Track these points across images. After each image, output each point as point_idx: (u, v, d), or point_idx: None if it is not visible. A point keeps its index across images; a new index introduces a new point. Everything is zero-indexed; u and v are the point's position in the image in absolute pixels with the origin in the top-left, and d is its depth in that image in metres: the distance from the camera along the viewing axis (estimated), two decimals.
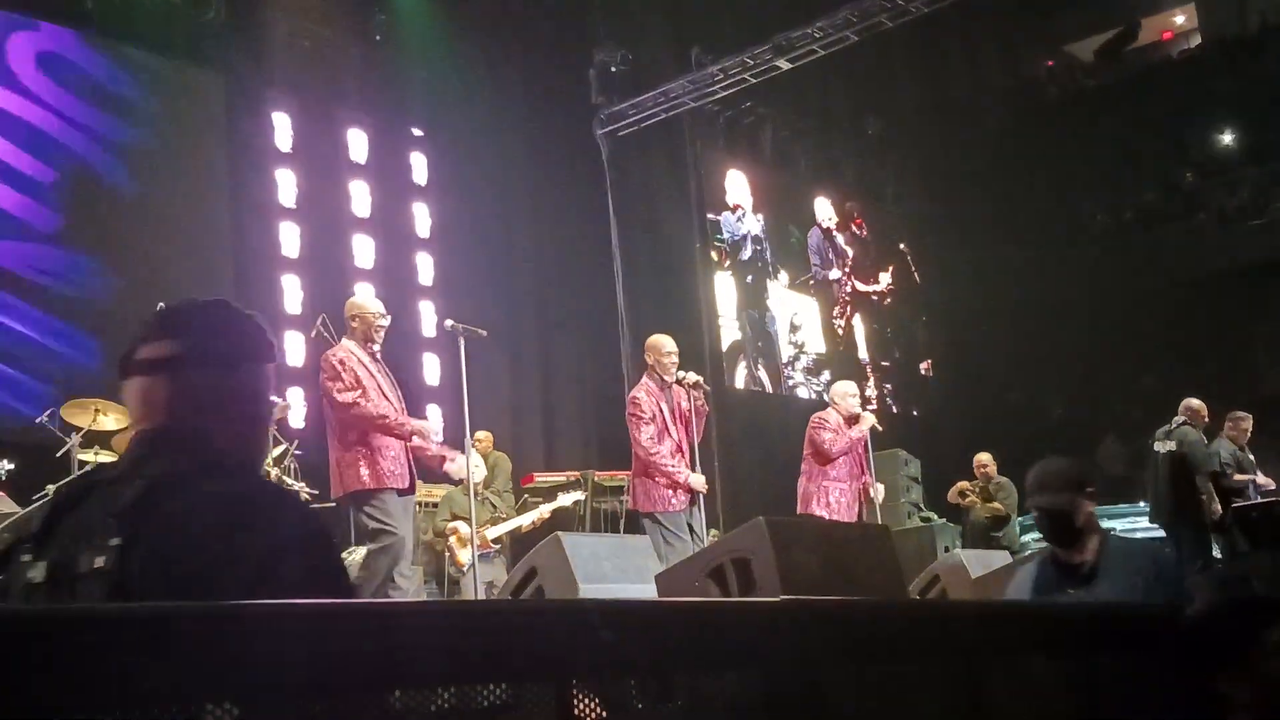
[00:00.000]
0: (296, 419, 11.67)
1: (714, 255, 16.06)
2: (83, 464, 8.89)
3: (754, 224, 17.05)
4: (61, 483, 7.58)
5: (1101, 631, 2.79)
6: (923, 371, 19.67)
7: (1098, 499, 4.27)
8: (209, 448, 2.12)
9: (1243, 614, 2.73)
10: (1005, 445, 17.15)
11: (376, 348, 7.24)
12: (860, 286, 19.02)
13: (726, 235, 16.46)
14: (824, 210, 18.57)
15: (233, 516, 1.96)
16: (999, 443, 17.43)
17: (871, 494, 9.79)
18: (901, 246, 19.91)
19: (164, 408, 2.11)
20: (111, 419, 9.08)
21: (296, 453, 9.98)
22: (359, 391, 6.92)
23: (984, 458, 13.28)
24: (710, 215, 16.12)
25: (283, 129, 12.93)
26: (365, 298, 7.76)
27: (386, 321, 7.34)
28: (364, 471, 6.86)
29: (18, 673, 1.22)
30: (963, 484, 13.17)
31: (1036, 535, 14.81)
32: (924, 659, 2.25)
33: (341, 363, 7.03)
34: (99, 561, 1.89)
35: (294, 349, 12.34)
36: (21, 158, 10.87)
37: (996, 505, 12.86)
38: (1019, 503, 12.34)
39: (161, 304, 2.32)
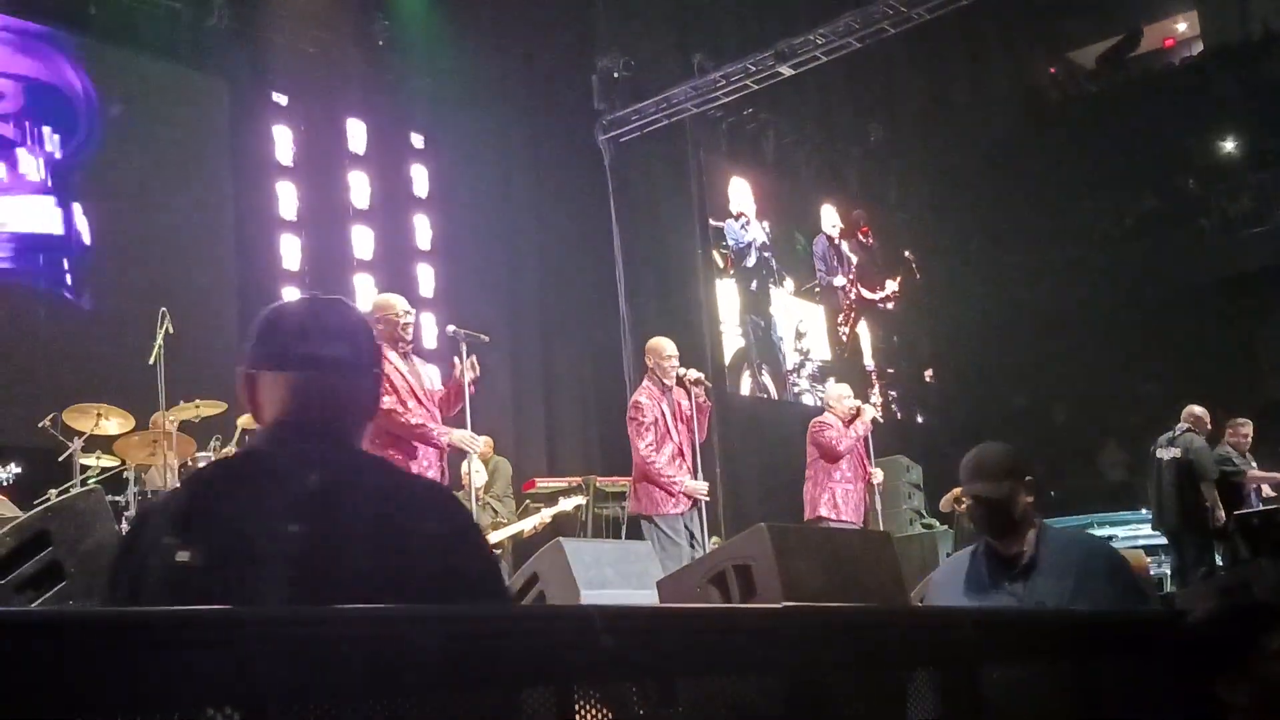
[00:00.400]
0: None
1: (717, 262, 16.08)
2: (84, 469, 8.90)
3: (758, 231, 17.07)
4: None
5: (1101, 637, 2.79)
6: (926, 378, 19.66)
7: (1036, 490, 3.96)
8: (357, 443, 2.22)
9: (1243, 620, 2.73)
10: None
11: (407, 346, 7.22)
12: (865, 294, 19.03)
13: (731, 242, 16.48)
14: (829, 217, 18.58)
15: (411, 507, 2.09)
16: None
17: (874, 481, 9.84)
18: (906, 253, 19.92)
19: (319, 403, 2.17)
20: (113, 423, 9.08)
21: None
22: (394, 399, 6.88)
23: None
24: (714, 222, 16.14)
25: (283, 136, 12.94)
26: (388, 297, 7.70)
27: (412, 318, 7.30)
28: None
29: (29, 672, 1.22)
30: (958, 489, 12.95)
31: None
32: (925, 665, 2.25)
33: None
34: (280, 548, 1.94)
35: None
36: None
37: None
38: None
39: (293, 300, 2.39)
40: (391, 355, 6.99)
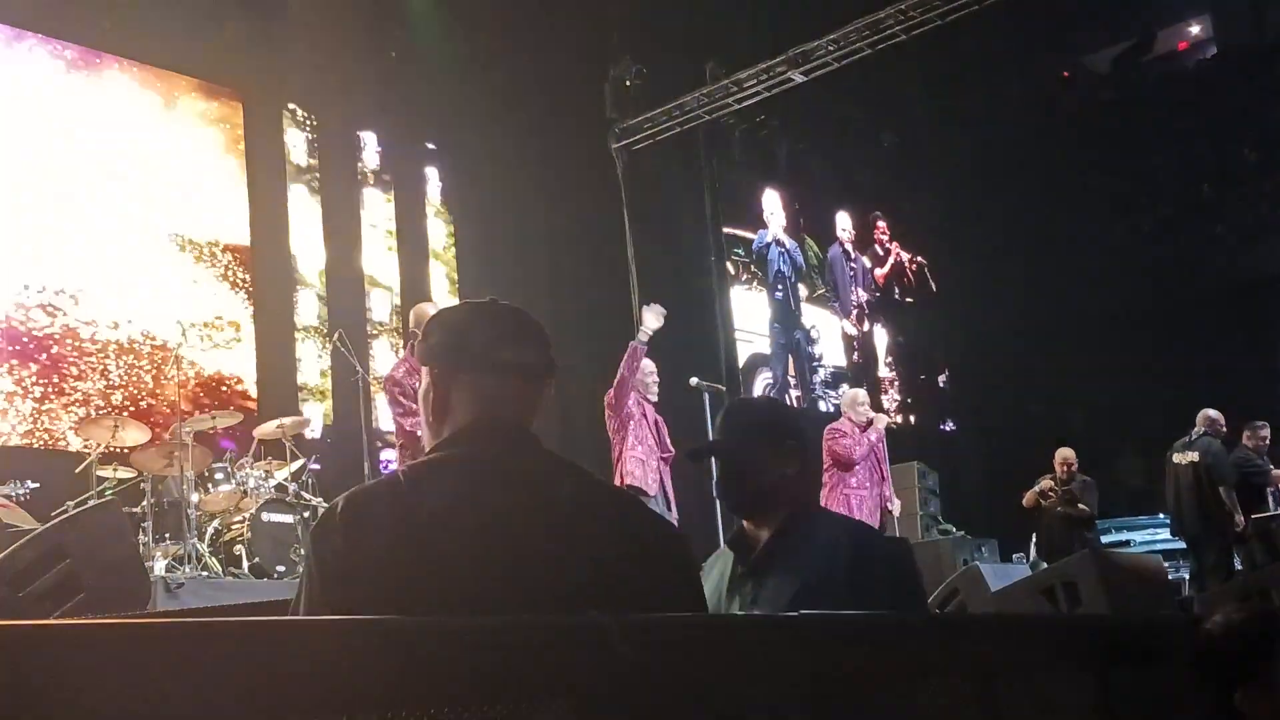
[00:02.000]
0: (314, 431, 11.73)
1: (730, 269, 16.09)
2: (101, 480, 8.93)
3: (774, 238, 17.14)
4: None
5: (1120, 645, 2.78)
6: (941, 384, 19.63)
7: (801, 462, 3.07)
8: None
9: (1261, 627, 2.71)
10: (1024, 458, 17.09)
11: None
12: (878, 299, 19.03)
13: (753, 250, 16.61)
14: (843, 223, 18.60)
15: (623, 515, 2.21)
16: (1017, 455, 17.39)
17: (890, 507, 9.81)
18: (919, 259, 19.89)
19: (517, 408, 2.21)
20: (129, 435, 9.11)
21: (313, 466, 10.01)
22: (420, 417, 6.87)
23: (1067, 453, 12.58)
24: (729, 230, 16.16)
25: (298, 146, 12.99)
26: (425, 307, 7.73)
27: None
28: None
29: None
30: (1046, 482, 12.52)
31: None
32: (943, 674, 2.24)
33: (399, 384, 7.02)
34: (508, 553, 1.98)
35: (309, 364, 12.40)
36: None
37: (1083, 506, 12.28)
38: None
39: (468, 303, 2.37)
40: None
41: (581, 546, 2.03)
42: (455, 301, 13.73)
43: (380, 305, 13.41)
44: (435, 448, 2.19)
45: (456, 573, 1.92)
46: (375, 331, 13.27)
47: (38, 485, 8.68)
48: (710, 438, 8.97)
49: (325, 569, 1.98)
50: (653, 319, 7.76)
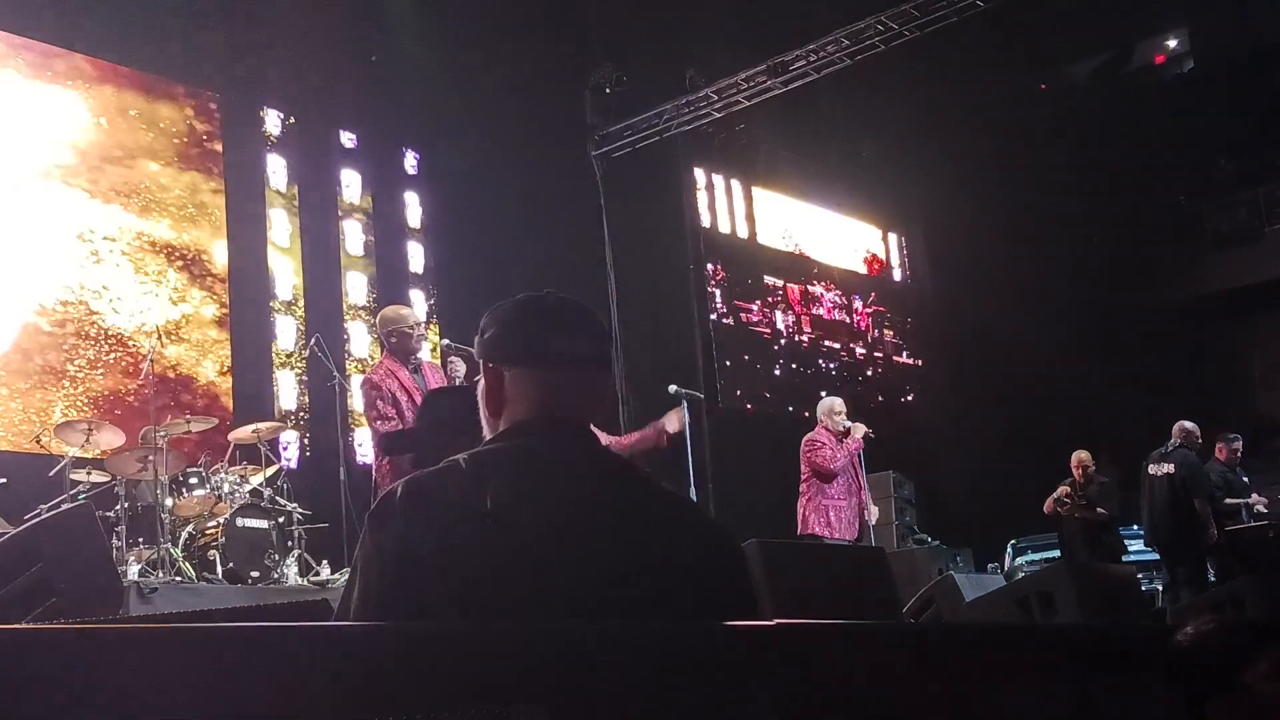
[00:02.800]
0: (291, 458, 11.72)
1: (708, 274, 16.18)
2: (74, 483, 8.88)
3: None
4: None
5: (1092, 654, 2.79)
6: (915, 394, 19.68)
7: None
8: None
9: (1234, 638, 2.72)
10: (999, 466, 17.15)
11: (424, 357, 7.21)
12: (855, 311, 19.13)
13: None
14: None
15: (678, 516, 2.20)
16: (992, 464, 17.44)
17: (866, 516, 9.82)
18: (896, 269, 19.98)
19: (577, 401, 2.17)
20: (104, 438, 9.07)
21: (290, 466, 9.99)
22: (395, 422, 6.86)
23: (1083, 455, 12.38)
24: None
25: (276, 151, 12.98)
26: (397, 309, 7.61)
27: (423, 329, 7.27)
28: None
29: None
30: (1061, 488, 12.34)
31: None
32: (918, 683, 2.24)
33: (377, 388, 6.92)
34: (571, 547, 1.97)
35: (287, 389, 12.38)
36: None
37: (1100, 510, 12.08)
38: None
39: (529, 295, 2.32)
40: (397, 371, 6.97)
41: (642, 548, 2.03)
42: (420, 302, 13.75)
43: (356, 290, 13.40)
44: (493, 439, 2.16)
45: (521, 566, 1.91)
46: (351, 317, 13.26)
47: (4, 481, 8.61)
48: (689, 445, 8.99)
49: (384, 553, 1.95)
50: (674, 422, 7.54)
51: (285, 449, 11.65)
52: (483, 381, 2.23)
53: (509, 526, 1.94)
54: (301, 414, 12.39)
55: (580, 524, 2.01)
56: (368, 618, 1.90)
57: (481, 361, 2.24)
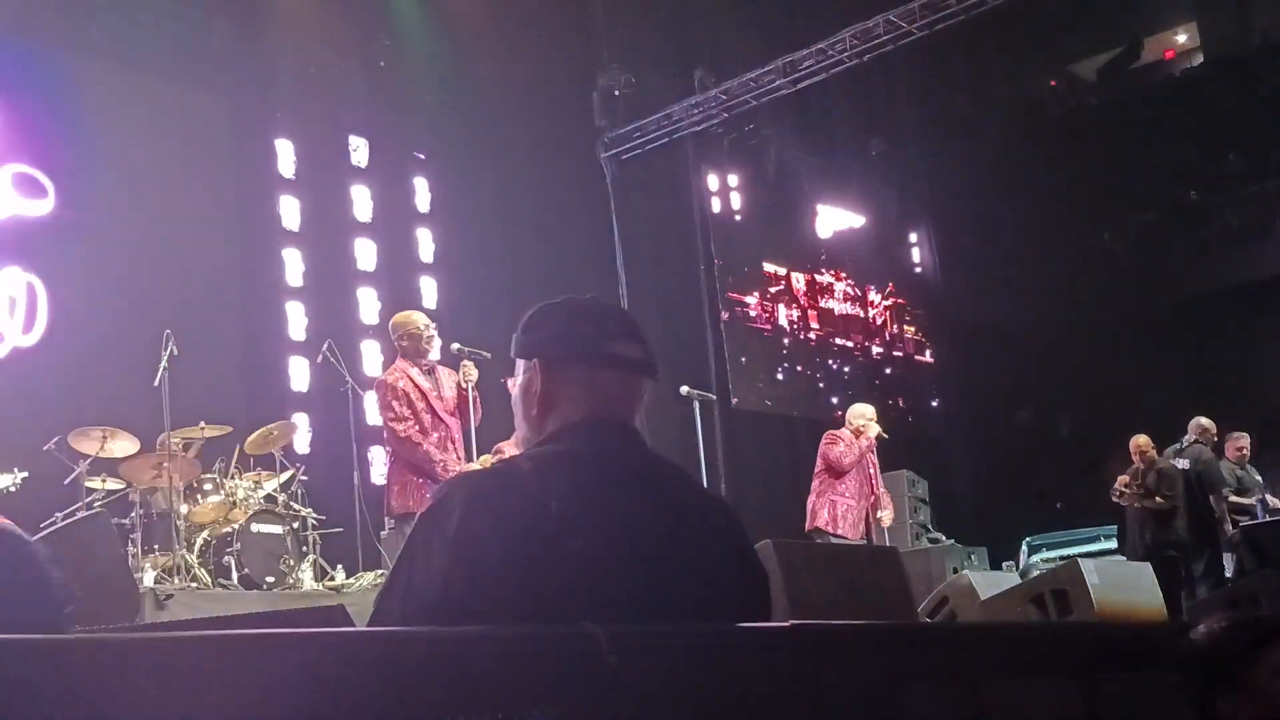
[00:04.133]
0: (301, 444, 11.70)
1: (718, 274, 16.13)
2: (89, 490, 8.90)
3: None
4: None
5: (1105, 651, 2.79)
6: (929, 391, 19.64)
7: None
8: None
9: (1246, 634, 2.72)
10: (1013, 465, 17.13)
11: (434, 358, 7.31)
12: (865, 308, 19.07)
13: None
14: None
15: (719, 518, 2.25)
16: (1005, 463, 17.42)
17: (880, 514, 9.86)
18: (906, 267, 19.94)
19: (625, 404, 2.18)
20: (118, 445, 9.08)
21: (302, 478, 9.99)
22: (410, 422, 6.95)
23: (1140, 441, 11.80)
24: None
25: (286, 154, 12.97)
26: (409, 313, 7.70)
27: (434, 331, 7.38)
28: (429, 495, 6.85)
29: None
30: (1121, 478, 11.86)
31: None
32: (933, 682, 2.25)
33: (392, 389, 7.08)
34: (630, 548, 2.01)
35: (299, 375, 12.38)
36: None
37: (1159, 498, 11.57)
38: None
39: (571, 298, 2.30)
40: (411, 373, 7.13)
41: (696, 555, 2.07)
42: (433, 309, 13.75)
43: (368, 310, 13.38)
44: (545, 441, 2.14)
45: (586, 572, 1.91)
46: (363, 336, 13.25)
47: (26, 475, 8.58)
48: (701, 447, 9.00)
49: (436, 554, 1.93)
50: None
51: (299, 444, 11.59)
52: (526, 379, 2.21)
53: (575, 532, 1.94)
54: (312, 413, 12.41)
55: (643, 530, 2.03)
56: (411, 617, 1.89)
57: (524, 359, 2.22)
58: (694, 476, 2.33)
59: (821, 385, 17.50)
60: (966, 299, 19.15)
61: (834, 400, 16.75)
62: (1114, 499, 12.05)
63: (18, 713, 1.22)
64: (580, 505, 1.98)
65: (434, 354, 7.46)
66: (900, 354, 19.47)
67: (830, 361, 18.00)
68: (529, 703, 1.54)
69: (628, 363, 2.19)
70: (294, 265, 12.78)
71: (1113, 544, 14.60)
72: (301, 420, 11.84)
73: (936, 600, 8.05)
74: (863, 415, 9.94)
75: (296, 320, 12.64)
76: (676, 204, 15.61)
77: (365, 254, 13.53)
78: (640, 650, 1.70)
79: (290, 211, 12.86)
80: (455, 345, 7.77)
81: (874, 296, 19.16)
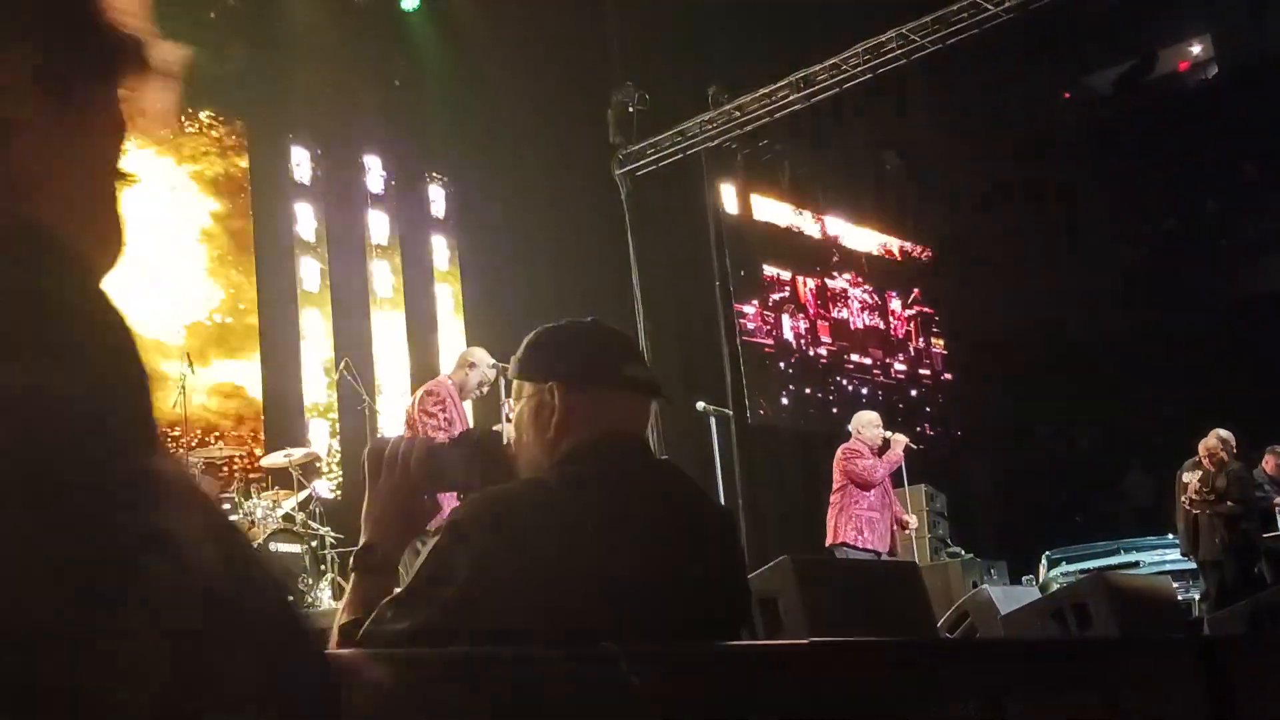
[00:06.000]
0: (319, 464, 11.74)
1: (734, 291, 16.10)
2: None
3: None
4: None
5: (1129, 668, 2.77)
6: (949, 404, 19.58)
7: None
8: None
9: (1267, 647, 2.71)
10: (1032, 478, 17.07)
11: (473, 396, 7.60)
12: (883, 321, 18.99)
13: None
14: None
15: (729, 530, 2.30)
16: (1025, 476, 17.36)
17: (905, 520, 9.85)
18: (924, 280, 19.91)
19: (637, 424, 2.24)
20: None
21: (325, 495, 10.00)
22: (445, 433, 7.06)
23: (1209, 443, 11.36)
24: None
25: (302, 170, 13.05)
26: (483, 352, 7.97)
27: (492, 379, 7.63)
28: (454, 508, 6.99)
29: None
30: (1191, 484, 11.50)
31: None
32: (954, 698, 2.24)
33: (441, 400, 7.34)
34: (659, 566, 2.04)
35: (315, 387, 12.42)
36: None
37: (1229, 502, 11.19)
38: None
39: (577, 320, 2.35)
40: (454, 395, 7.41)
41: (716, 570, 2.13)
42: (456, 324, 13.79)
43: (385, 328, 13.42)
44: (562, 461, 2.13)
45: (612, 592, 1.91)
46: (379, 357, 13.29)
47: None
48: (719, 462, 8.98)
49: (457, 569, 1.89)
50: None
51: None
52: (536, 401, 2.20)
53: (609, 554, 1.94)
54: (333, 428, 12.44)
55: (671, 547, 2.05)
56: (421, 629, 1.86)
57: (534, 382, 2.22)
58: (701, 487, 2.34)
59: (835, 411, 16.04)
60: (984, 311, 19.12)
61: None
62: (1186, 507, 11.66)
63: None
64: (611, 524, 2.00)
65: (475, 394, 7.70)
66: (928, 371, 19.00)
67: (845, 383, 17.37)
68: None
69: (637, 383, 2.21)
70: (311, 279, 12.84)
71: (1133, 556, 14.55)
72: (321, 439, 11.88)
73: (956, 615, 8.03)
74: (872, 424, 9.85)
75: (314, 338, 12.69)
76: (691, 219, 15.61)
77: (380, 271, 13.58)
78: (660, 670, 1.69)
79: (305, 218, 12.94)
80: (502, 364, 7.88)
81: (895, 305, 18.99)
